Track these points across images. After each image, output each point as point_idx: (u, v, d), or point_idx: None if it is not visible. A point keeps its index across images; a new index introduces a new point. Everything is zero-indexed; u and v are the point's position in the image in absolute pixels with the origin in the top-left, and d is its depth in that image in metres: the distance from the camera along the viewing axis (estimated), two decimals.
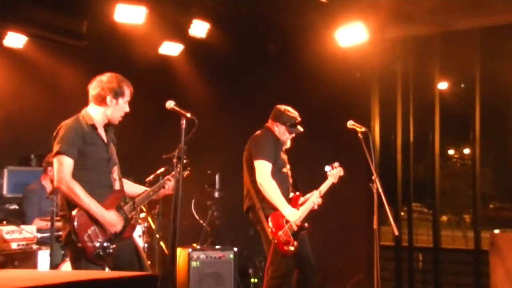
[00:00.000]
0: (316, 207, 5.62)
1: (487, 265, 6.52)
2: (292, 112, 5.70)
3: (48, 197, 5.91)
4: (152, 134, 8.13)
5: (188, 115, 4.34)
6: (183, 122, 4.33)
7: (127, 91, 4.48)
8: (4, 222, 6.05)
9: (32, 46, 7.43)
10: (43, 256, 5.85)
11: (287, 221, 5.45)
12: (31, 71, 7.63)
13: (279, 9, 7.60)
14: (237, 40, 8.17)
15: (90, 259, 4.21)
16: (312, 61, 7.73)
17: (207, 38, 7.70)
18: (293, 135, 5.72)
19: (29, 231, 5.89)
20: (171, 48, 8.09)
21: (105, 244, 4.27)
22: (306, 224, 5.58)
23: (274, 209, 5.46)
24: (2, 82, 7.47)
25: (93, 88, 4.45)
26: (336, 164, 5.76)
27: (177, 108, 4.41)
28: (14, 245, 5.76)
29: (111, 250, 4.29)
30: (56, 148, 4.26)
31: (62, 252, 5.95)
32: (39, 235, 5.97)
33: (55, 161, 4.26)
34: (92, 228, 4.23)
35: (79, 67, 7.76)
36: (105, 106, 4.42)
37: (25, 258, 5.82)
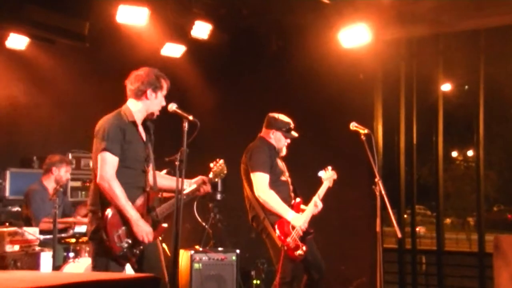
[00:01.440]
0: (316, 212, 5.66)
1: (491, 268, 6.53)
2: (285, 117, 5.76)
3: (51, 198, 5.95)
4: (156, 137, 8.15)
5: (190, 117, 4.37)
6: (185, 124, 4.36)
7: (165, 84, 4.56)
8: (7, 224, 6.08)
9: (34, 48, 7.46)
10: (46, 258, 5.88)
11: (293, 227, 5.49)
12: (32, 72, 7.66)
13: (281, 10, 7.63)
14: (239, 42, 8.20)
15: (115, 259, 4.26)
16: (315, 63, 7.76)
17: (209, 40, 7.73)
18: (289, 141, 5.76)
19: (32, 232, 5.93)
20: (173, 50, 8.10)
21: (132, 245, 4.31)
22: (311, 228, 5.62)
23: (279, 216, 5.50)
24: (4, 84, 7.51)
25: (132, 83, 4.50)
26: (329, 168, 5.77)
27: (179, 111, 4.45)
28: (16, 247, 5.79)
29: (137, 251, 4.34)
30: (100, 145, 4.29)
31: (65, 254, 5.99)
32: (41, 236, 6.00)
33: (99, 157, 4.29)
34: (123, 228, 4.29)
35: (81, 68, 7.82)
36: (145, 100, 4.47)
37: (28, 259, 5.84)
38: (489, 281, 7.20)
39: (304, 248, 5.48)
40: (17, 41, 7.29)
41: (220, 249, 7.17)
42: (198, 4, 7.49)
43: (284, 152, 5.80)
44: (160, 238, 6.75)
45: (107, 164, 4.26)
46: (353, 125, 5.58)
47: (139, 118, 4.50)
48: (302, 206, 5.69)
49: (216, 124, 7.92)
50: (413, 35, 7.93)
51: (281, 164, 5.77)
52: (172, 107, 4.48)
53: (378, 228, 5.26)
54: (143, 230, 4.33)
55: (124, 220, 4.28)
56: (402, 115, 8.24)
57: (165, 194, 5.15)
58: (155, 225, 4.47)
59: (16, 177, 7.19)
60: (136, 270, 4.43)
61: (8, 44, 7.29)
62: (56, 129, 7.93)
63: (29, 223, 6.27)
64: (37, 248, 5.97)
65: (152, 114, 4.56)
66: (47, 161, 6.61)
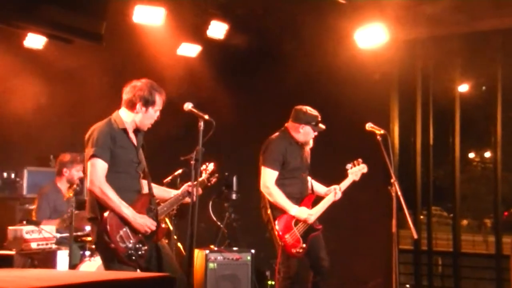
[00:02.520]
0: (336, 199, 5.71)
1: (508, 270, 6.49)
2: (313, 110, 5.74)
3: (67, 198, 5.98)
4: (170, 136, 8.17)
5: (206, 117, 4.41)
6: (201, 124, 4.40)
7: (159, 100, 4.51)
8: (24, 222, 6.13)
9: (52, 47, 7.52)
10: (62, 256, 5.92)
11: (296, 223, 5.49)
12: (50, 71, 7.71)
13: (296, 10, 7.62)
14: (255, 41, 8.19)
15: (122, 260, 4.28)
16: (331, 63, 7.74)
17: (225, 39, 7.75)
18: (316, 133, 5.75)
19: (48, 231, 5.97)
20: (189, 49, 8.13)
21: (137, 246, 4.34)
22: (318, 226, 5.62)
23: (283, 211, 5.53)
24: (22, 83, 7.57)
25: (126, 93, 4.52)
26: (359, 160, 5.83)
27: (195, 110, 4.48)
28: (33, 245, 5.83)
29: (143, 252, 4.37)
30: (90, 151, 4.34)
31: (81, 252, 6.03)
32: (58, 235, 6.04)
33: (89, 164, 4.34)
34: (124, 229, 4.31)
35: (97, 68, 7.86)
36: (135, 112, 4.47)
37: (44, 258, 5.89)
38: (506, 283, 7.15)
39: (303, 246, 5.48)
40: (35, 41, 7.35)
41: (235, 248, 7.17)
42: (214, 4, 7.51)
43: (311, 144, 5.79)
44: (175, 237, 6.81)
45: (97, 169, 4.30)
46: (369, 126, 5.58)
47: (129, 127, 4.51)
48: (324, 189, 5.66)
49: (231, 124, 7.93)
50: (430, 35, 7.88)
51: (301, 159, 5.74)
52: (188, 106, 4.51)
53: (393, 229, 5.26)
54: (142, 223, 4.36)
55: (124, 221, 4.31)
56: (419, 116, 8.20)
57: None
58: (157, 225, 4.48)
59: (33, 175, 7.25)
60: (143, 271, 4.45)
61: (26, 44, 7.35)
62: (73, 127, 7.94)
63: None
64: (54, 247, 6.01)
65: (143, 127, 4.54)
66: (58, 162, 6.62)
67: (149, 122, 4.55)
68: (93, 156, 4.31)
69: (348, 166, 5.80)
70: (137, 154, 4.53)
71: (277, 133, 5.78)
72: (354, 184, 5.85)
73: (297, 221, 5.55)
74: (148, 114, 4.49)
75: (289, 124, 5.77)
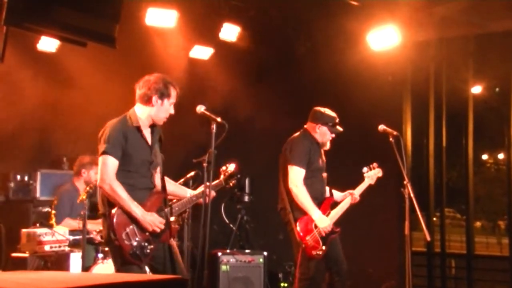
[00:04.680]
0: (356, 201, 5.72)
1: None
2: (331, 112, 5.75)
3: (81, 200, 6.01)
4: (182, 138, 8.18)
5: (219, 119, 4.40)
6: (213, 126, 4.40)
7: (173, 92, 4.52)
8: (37, 225, 6.15)
9: (65, 50, 7.54)
10: (75, 258, 5.94)
11: (316, 226, 5.49)
12: (63, 74, 7.74)
13: (309, 11, 7.60)
14: (267, 43, 8.19)
15: (126, 258, 4.28)
16: (343, 65, 7.72)
17: (237, 42, 7.74)
18: (333, 135, 5.74)
19: (62, 233, 5.99)
20: (201, 52, 8.13)
21: (142, 244, 4.34)
22: (337, 228, 5.63)
23: (304, 213, 5.50)
24: (35, 86, 7.59)
25: (140, 88, 4.51)
26: (374, 164, 5.84)
27: (207, 113, 4.48)
28: (47, 247, 5.86)
29: (148, 250, 4.36)
30: (101, 148, 4.35)
31: (94, 254, 6.04)
32: (71, 237, 6.06)
33: (100, 160, 4.35)
34: (131, 227, 4.31)
35: (110, 70, 7.87)
36: (150, 106, 4.47)
37: (58, 260, 5.91)
38: None
39: (323, 248, 5.49)
40: (48, 44, 7.37)
41: (247, 251, 7.17)
42: (227, 6, 7.51)
43: (328, 146, 5.79)
44: (187, 239, 6.80)
45: (107, 166, 4.30)
46: (382, 127, 5.57)
47: (144, 123, 4.50)
48: (331, 213, 5.66)
49: (243, 125, 7.93)
50: (443, 36, 7.84)
51: (321, 160, 5.76)
52: (201, 109, 4.51)
53: (406, 231, 5.24)
54: (150, 221, 4.35)
55: (132, 219, 4.31)
56: (432, 117, 8.17)
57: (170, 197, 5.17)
58: (166, 225, 4.48)
59: (46, 178, 7.27)
60: (149, 270, 4.46)
61: (40, 47, 7.38)
62: (86, 130, 7.98)
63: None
64: (67, 249, 6.03)
65: (159, 121, 4.54)
66: (77, 163, 6.66)
67: (164, 116, 4.53)
68: (104, 153, 4.32)
69: (365, 169, 5.81)
70: (151, 152, 4.52)
71: (298, 133, 5.78)
72: (367, 186, 5.84)
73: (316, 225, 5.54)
74: (164, 107, 4.49)
75: (308, 125, 5.77)
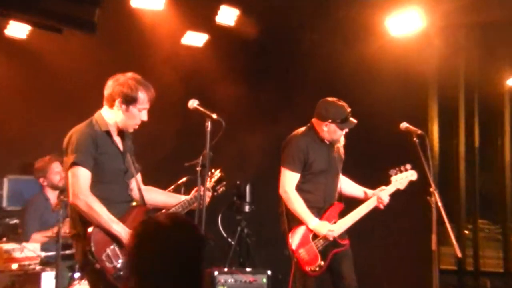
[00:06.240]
0: (382, 206, 5.63)
1: None
2: (339, 104, 5.58)
3: (54, 210, 5.97)
4: (172, 138, 8.16)
5: (214, 116, 4.38)
6: (208, 124, 4.38)
7: (144, 97, 4.41)
8: (4, 239, 6.12)
9: (37, 37, 7.53)
10: (48, 278, 5.88)
11: (314, 237, 5.44)
12: (34, 65, 7.72)
13: None
14: (270, 29, 8.18)
15: (109, 281, 4.23)
16: (358, 54, 7.71)
17: (236, 27, 7.73)
18: (347, 130, 5.62)
19: (32, 249, 5.95)
20: (195, 38, 8.15)
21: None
22: (344, 240, 5.55)
23: (301, 221, 5.47)
24: (1, 77, 7.58)
25: (107, 88, 4.46)
26: (407, 166, 5.68)
27: (201, 108, 4.45)
28: (14, 266, 5.82)
29: None
30: (69, 159, 4.29)
31: (70, 274, 6.00)
32: (43, 253, 6.02)
33: (69, 174, 4.29)
34: (112, 246, 4.27)
35: (90, 61, 7.85)
36: (115, 110, 4.42)
37: (27, 280, 5.87)
38: None
39: (321, 263, 5.43)
40: (18, 29, 7.37)
41: (248, 269, 7.14)
42: None
43: (342, 142, 5.70)
44: None
45: (79, 179, 4.23)
46: (404, 126, 5.54)
47: (113, 128, 4.45)
48: (340, 221, 5.59)
49: (243, 124, 7.90)
50: (475, 20, 7.79)
51: (328, 160, 5.66)
52: (193, 104, 4.48)
53: (433, 246, 5.22)
54: None
55: (113, 237, 4.26)
56: (462, 114, 8.17)
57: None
58: None
59: (15, 185, 7.25)
60: None
61: (8, 33, 7.38)
62: (63, 128, 7.97)
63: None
64: (38, 267, 5.99)
65: (126, 128, 4.47)
66: (34, 171, 6.65)
67: (134, 123, 4.46)
68: (73, 164, 4.25)
69: (392, 172, 5.69)
70: (124, 160, 4.49)
71: (302, 129, 5.72)
72: (394, 191, 5.73)
73: (315, 235, 5.49)
74: (130, 114, 4.40)
75: (314, 121, 5.70)
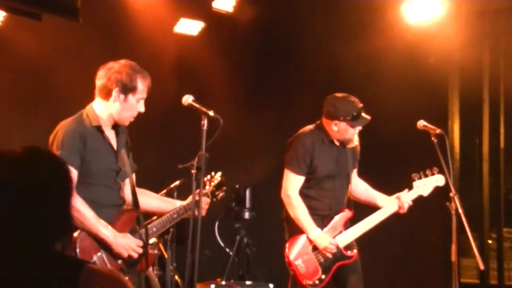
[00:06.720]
0: (403, 211, 5.57)
1: None
2: (349, 99, 5.54)
3: None
4: (165, 137, 8.19)
5: (211, 113, 4.38)
6: (204, 122, 4.38)
7: (142, 85, 4.46)
8: None
9: (12, 24, 7.54)
10: None
11: (315, 248, 5.46)
12: (10, 54, 7.74)
13: None
14: (272, 17, 8.19)
15: None
16: (370, 44, 7.71)
17: (234, 13, 7.76)
18: (360, 127, 5.58)
19: None
20: (189, 26, 8.16)
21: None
22: (351, 251, 5.56)
23: (301, 230, 5.50)
24: None
25: (99, 78, 4.48)
26: (434, 169, 5.58)
27: (196, 105, 4.46)
28: None
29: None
30: None
31: None
32: None
33: None
34: (99, 254, 4.31)
35: (72, 51, 7.87)
36: (111, 101, 4.43)
37: None
38: None
39: (322, 277, 5.44)
40: None
41: (248, 282, 7.18)
42: None
43: (356, 141, 5.66)
44: (171, 267, 6.82)
45: None
46: (421, 124, 5.55)
47: (105, 123, 4.48)
48: (346, 231, 5.62)
49: (243, 122, 7.93)
50: (502, 6, 7.81)
51: (337, 163, 5.67)
52: (188, 99, 4.48)
53: (453, 257, 5.23)
54: (124, 244, 4.35)
55: (101, 243, 4.30)
56: (486, 111, 8.15)
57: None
58: (142, 251, 4.47)
59: None
60: None
61: None
62: (41, 122, 8.00)
63: None
64: None
65: (122, 120, 4.50)
66: None
67: (130, 115, 4.50)
68: None
69: (415, 176, 5.59)
70: (117, 159, 4.52)
71: (310, 126, 5.71)
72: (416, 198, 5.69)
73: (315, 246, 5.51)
74: (128, 104, 4.44)
75: (323, 119, 5.66)
